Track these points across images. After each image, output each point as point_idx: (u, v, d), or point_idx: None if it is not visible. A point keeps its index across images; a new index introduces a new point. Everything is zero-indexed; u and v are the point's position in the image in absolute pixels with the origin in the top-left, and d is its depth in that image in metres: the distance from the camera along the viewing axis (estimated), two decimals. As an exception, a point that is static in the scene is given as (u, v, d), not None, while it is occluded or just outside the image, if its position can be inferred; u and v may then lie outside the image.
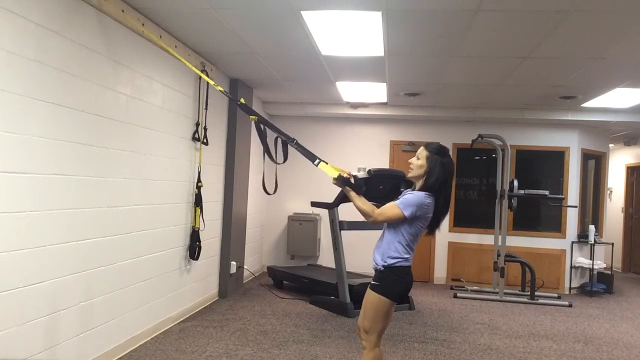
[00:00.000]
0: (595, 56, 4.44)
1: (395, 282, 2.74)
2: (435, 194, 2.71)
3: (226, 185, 5.91)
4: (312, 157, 2.99)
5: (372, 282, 2.77)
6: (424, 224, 2.75)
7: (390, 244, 2.73)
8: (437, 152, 2.75)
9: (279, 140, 3.21)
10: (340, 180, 2.82)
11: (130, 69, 3.82)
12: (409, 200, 2.69)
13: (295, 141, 3.14)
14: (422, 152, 2.77)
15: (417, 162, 2.76)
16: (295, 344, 4.34)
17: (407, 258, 2.74)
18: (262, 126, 3.22)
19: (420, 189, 2.73)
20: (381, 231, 2.90)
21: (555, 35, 3.90)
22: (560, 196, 6.91)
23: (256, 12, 3.71)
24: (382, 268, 2.74)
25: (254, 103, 6.79)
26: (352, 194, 2.81)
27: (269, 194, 3.77)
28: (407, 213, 2.66)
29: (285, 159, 3.35)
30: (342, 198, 4.70)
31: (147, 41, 4.02)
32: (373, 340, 2.76)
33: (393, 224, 2.74)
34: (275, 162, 3.41)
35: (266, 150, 3.32)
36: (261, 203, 7.50)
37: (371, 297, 2.75)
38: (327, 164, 2.92)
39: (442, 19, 3.68)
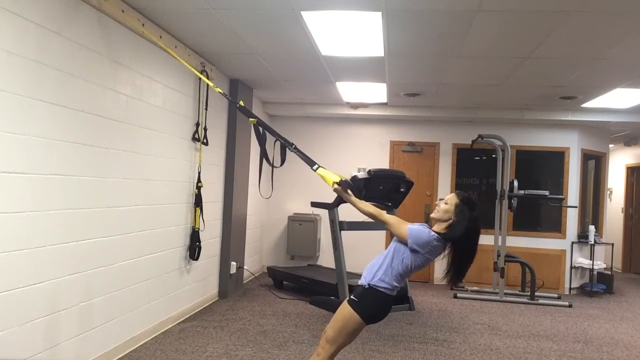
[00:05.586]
0: (595, 56, 4.44)
1: (373, 306, 2.70)
2: (452, 244, 2.68)
3: (226, 186, 5.91)
4: (310, 163, 2.97)
5: (352, 297, 2.73)
6: (422, 262, 2.69)
7: (387, 268, 2.68)
8: (466, 202, 2.68)
9: (279, 143, 3.20)
10: (344, 185, 2.79)
11: (130, 69, 3.82)
12: (420, 232, 2.65)
13: (294, 146, 3.12)
14: (452, 198, 2.72)
15: (444, 207, 2.70)
16: (295, 345, 4.34)
17: (395, 287, 2.70)
18: (260, 129, 3.21)
19: (439, 233, 2.67)
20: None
21: (555, 35, 3.90)
22: (560, 196, 6.91)
23: (256, 12, 3.71)
24: (367, 286, 2.69)
25: (254, 103, 6.80)
26: (354, 199, 2.79)
27: (265, 197, 3.77)
28: (410, 240, 2.62)
29: (283, 162, 3.34)
30: (342, 199, 4.70)
31: (147, 41, 4.02)
32: (330, 352, 2.71)
33: (397, 250, 2.70)
34: (272, 166, 3.40)
35: (263, 154, 3.31)
36: (261, 203, 7.50)
37: (345, 310, 2.71)
38: (325, 169, 2.90)
39: (442, 19, 3.68)
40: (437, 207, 2.76)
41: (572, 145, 7.48)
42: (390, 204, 5.42)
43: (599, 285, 7.32)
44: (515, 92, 6.01)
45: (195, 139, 4.97)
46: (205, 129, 5.14)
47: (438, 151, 7.73)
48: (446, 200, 2.74)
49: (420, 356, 4.21)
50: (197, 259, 5.03)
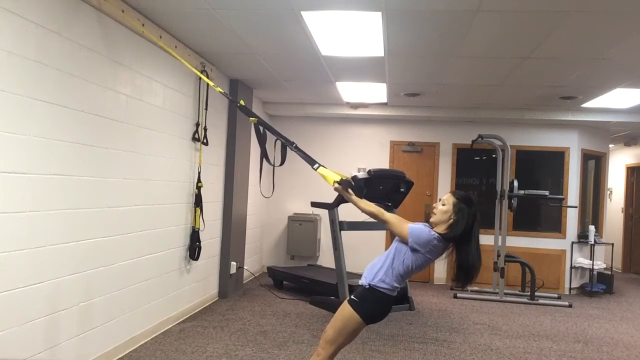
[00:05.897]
0: (595, 56, 4.44)
1: (373, 306, 2.70)
2: (456, 243, 2.65)
3: (226, 186, 5.91)
4: (311, 162, 2.96)
5: (352, 297, 2.74)
6: (422, 262, 2.68)
7: (387, 269, 2.67)
8: (464, 200, 2.67)
9: (279, 142, 3.20)
10: (345, 184, 2.78)
11: (130, 69, 3.82)
12: (421, 231, 2.64)
13: (294, 145, 3.12)
14: (448, 198, 2.70)
15: (442, 208, 2.68)
16: (295, 345, 4.34)
17: (395, 288, 2.70)
18: (261, 129, 3.21)
19: (440, 233, 2.65)
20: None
21: (555, 35, 3.90)
22: (560, 196, 6.91)
23: (256, 12, 3.71)
24: (368, 286, 2.69)
25: (254, 103, 6.80)
26: (355, 198, 2.78)
27: (266, 197, 3.76)
28: (410, 239, 2.61)
29: (283, 161, 3.34)
30: (343, 198, 4.70)
31: (147, 41, 4.02)
32: (330, 352, 2.71)
33: (398, 250, 2.69)
34: (272, 165, 3.40)
35: (263, 154, 3.31)
36: (261, 203, 7.50)
37: (345, 310, 2.71)
38: (326, 168, 2.89)
39: (442, 19, 3.68)
40: (434, 210, 2.75)
41: (572, 145, 7.48)
42: (390, 204, 5.42)
43: (599, 285, 7.32)
44: (515, 92, 6.01)
45: (195, 139, 4.97)
46: (205, 129, 5.14)
47: (438, 151, 7.73)
48: (443, 201, 2.72)
49: (420, 356, 4.21)
50: (197, 259, 5.03)
